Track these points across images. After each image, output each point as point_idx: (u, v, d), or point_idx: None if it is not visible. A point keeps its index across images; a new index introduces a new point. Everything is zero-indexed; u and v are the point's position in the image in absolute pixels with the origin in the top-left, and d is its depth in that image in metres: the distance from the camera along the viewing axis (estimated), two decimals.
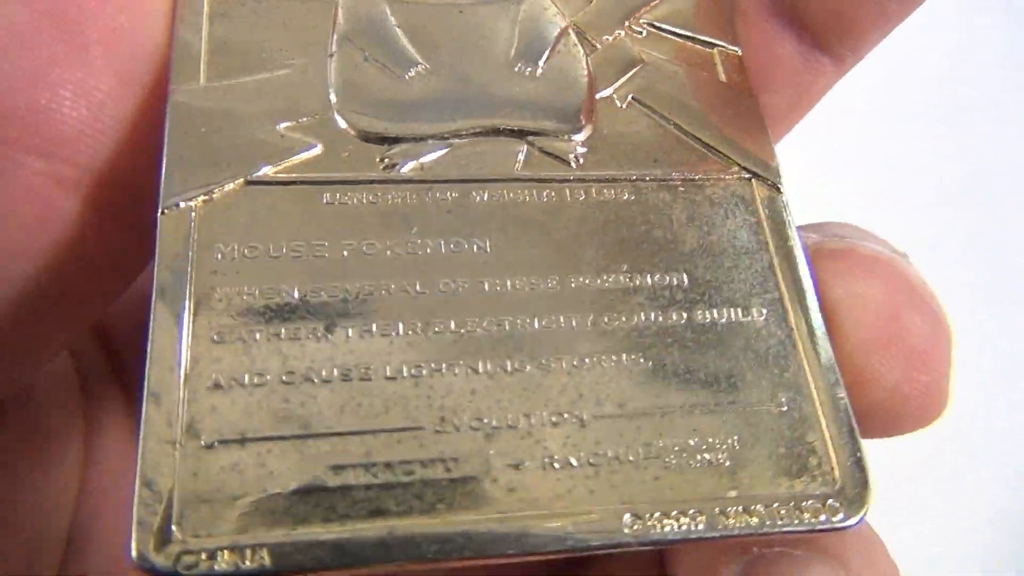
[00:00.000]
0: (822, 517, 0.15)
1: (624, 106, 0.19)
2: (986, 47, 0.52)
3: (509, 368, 0.16)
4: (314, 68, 0.18)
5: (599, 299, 0.17)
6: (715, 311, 0.17)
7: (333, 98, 0.18)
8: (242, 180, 0.17)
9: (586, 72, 0.19)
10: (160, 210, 0.16)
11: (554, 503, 0.15)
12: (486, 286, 0.16)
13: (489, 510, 0.14)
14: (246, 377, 0.15)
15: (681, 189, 0.18)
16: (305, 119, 0.18)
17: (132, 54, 0.17)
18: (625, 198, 0.18)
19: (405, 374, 0.15)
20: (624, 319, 0.17)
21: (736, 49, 0.20)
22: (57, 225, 0.17)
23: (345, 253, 0.16)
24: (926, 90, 0.50)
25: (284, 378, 0.15)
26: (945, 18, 0.48)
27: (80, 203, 0.17)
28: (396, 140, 0.18)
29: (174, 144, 0.17)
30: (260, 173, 0.17)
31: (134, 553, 0.13)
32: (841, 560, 0.16)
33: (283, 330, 0.15)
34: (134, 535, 0.13)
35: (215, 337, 0.15)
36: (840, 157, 0.45)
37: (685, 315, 0.17)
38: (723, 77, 0.20)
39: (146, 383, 0.14)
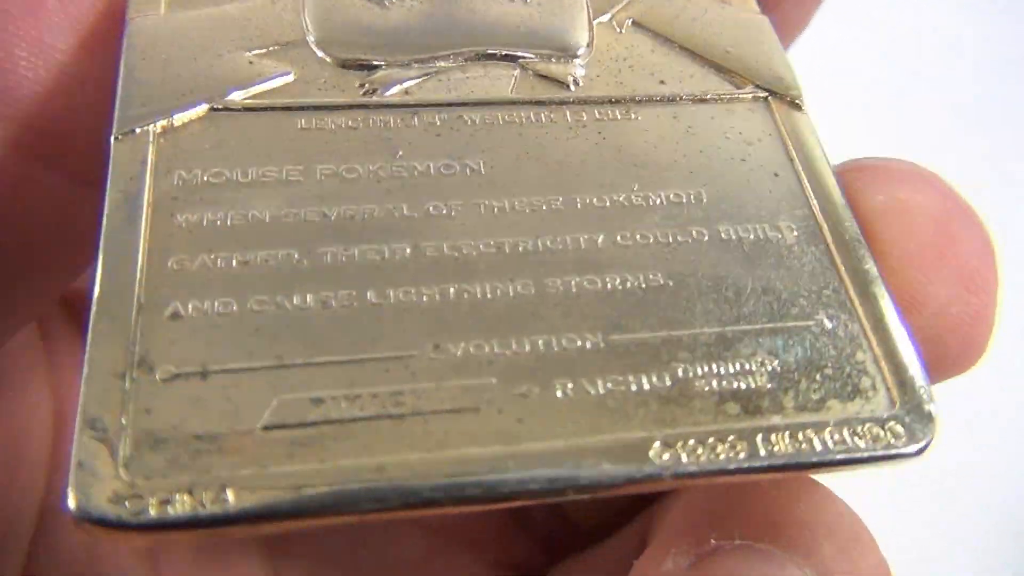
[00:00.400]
0: (882, 443, 0.13)
1: (623, 31, 0.18)
2: (987, 45, 0.51)
3: (511, 292, 0.14)
4: None
5: (609, 218, 0.15)
6: (740, 227, 0.15)
7: (308, 25, 0.16)
8: (207, 106, 0.15)
9: (585, 3, 0.18)
10: (114, 135, 0.14)
11: (570, 435, 0.13)
12: (481, 208, 0.15)
13: (494, 444, 0.12)
14: (210, 305, 0.13)
15: (692, 108, 0.17)
16: (276, 47, 0.16)
17: (92, 6, 0.16)
18: (631, 118, 0.16)
19: (392, 299, 0.13)
20: (639, 237, 0.15)
21: None
22: (21, 193, 0.16)
23: (322, 177, 0.15)
24: (926, 88, 0.49)
25: (253, 306, 0.13)
26: (946, 18, 0.47)
27: (42, 168, 0.16)
28: (377, 67, 0.16)
29: (131, 69, 0.15)
30: (227, 99, 0.15)
31: (71, 501, 0.11)
32: (814, 557, 0.13)
33: (253, 256, 0.14)
34: (72, 479, 0.11)
35: (174, 265, 0.13)
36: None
37: (707, 232, 0.15)
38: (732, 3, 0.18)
39: (93, 311, 0.13)
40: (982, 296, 0.16)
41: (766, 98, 0.17)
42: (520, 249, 0.14)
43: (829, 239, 0.15)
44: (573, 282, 0.14)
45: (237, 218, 0.14)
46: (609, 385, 0.13)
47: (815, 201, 0.16)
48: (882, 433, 0.13)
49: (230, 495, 0.11)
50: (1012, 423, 0.43)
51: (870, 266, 0.15)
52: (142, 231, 0.13)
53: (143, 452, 0.12)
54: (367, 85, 0.16)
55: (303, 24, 0.16)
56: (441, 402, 0.13)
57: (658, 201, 0.15)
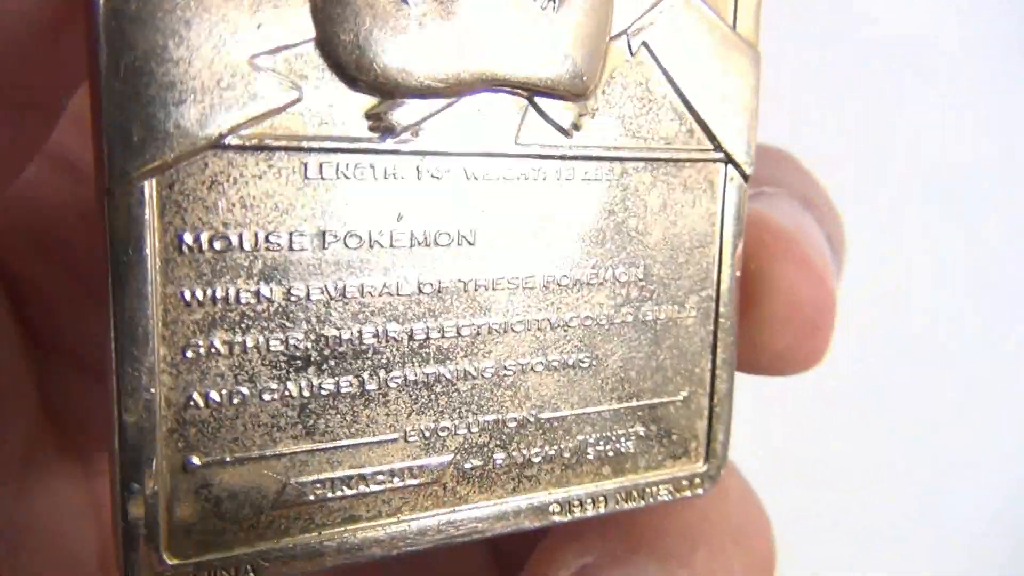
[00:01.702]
0: (684, 492, 0.19)
1: (634, 53, 0.17)
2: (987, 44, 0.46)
3: (477, 375, 0.16)
4: None
5: (565, 296, 0.17)
6: (659, 308, 0.18)
7: (311, 26, 0.14)
8: (208, 147, 0.13)
9: (609, 15, 0.16)
10: (105, 188, 0.13)
11: (496, 497, 0.17)
12: (467, 286, 0.16)
13: (441, 507, 0.16)
14: (226, 395, 0.14)
15: (663, 172, 0.18)
16: (282, 52, 0.14)
17: None
18: (610, 180, 0.17)
19: (384, 384, 0.15)
20: (583, 317, 0.17)
21: None
22: None
23: (328, 245, 0.15)
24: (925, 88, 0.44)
25: (264, 395, 0.15)
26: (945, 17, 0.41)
27: None
28: (390, 92, 0.15)
29: (112, 100, 0.13)
30: (227, 137, 0.14)
31: None
32: (689, 565, 0.19)
33: (263, 340, 0.14)
34: (122, 560, 0.14)
35: (190, 353, 0.14)
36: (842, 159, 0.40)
37: (632, 313, 0.18)
38: (737, 24, 0.18)
39: (115, 403, 0.13)
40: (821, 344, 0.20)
41: (725, 163, 0.18)
42: (491, 331, 0.16)
43: (718, 321, 0.19)
44: (526, 364, 0.17)
45: (246, 297, 0.14)
46: (531, 455, 0.17)
47: (719, 281, 0.19)
48: (689, 486, 0.19)
49: (252, 571, 0.15)
50: (1011, 423, 0.48)
51: (733, 351, 0.19)
52: (152, 312, 0.13)
53: (177, 538, 0.14)
54: (382, 123, 0.15)
55: (307, 20, 0.14)
56: (411, 477, 0.16)
57: (608, 277, 0.17)
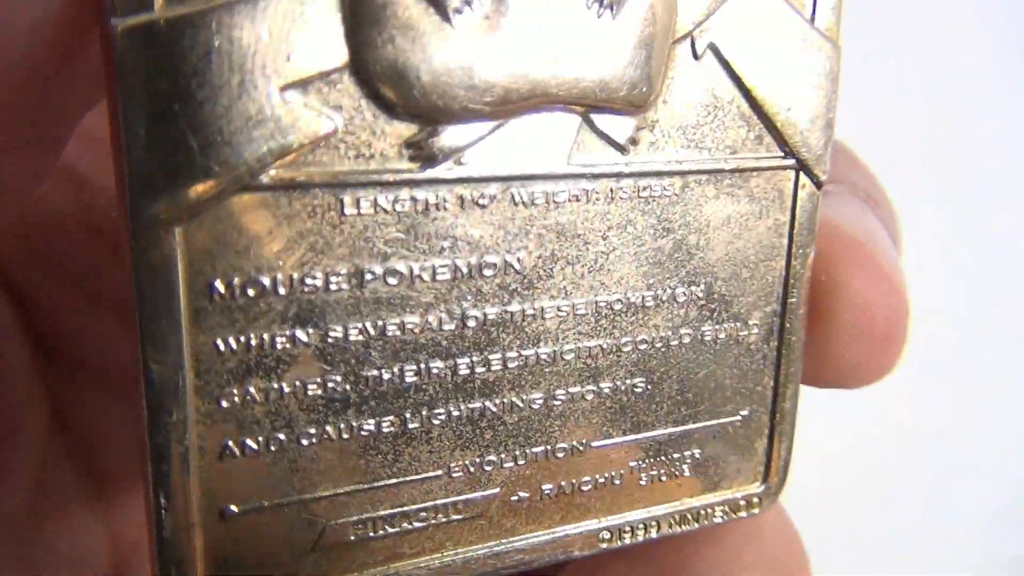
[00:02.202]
0: (741, 512, 0.18)
1: (700, 56, 0.15)
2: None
3: (524, 407, 0.16)
4: None
5: (619, 321, 0.16)
6: (720, 327, 0.17)
7: (345, 51, 0.13)
8: (238, 189, 0.13)
9: (672, 17, 0.15)
10: (131, 229, 0.12)
11: (544, 528, 0.16)
12: (514, 316, 0.15)
13: (487, 540, 0.16)
14: (262, 442, 0.14)
15: (727, 183, 0.16)
16: (314, 82, 0.13)
17: None
18: (669, 195, 0.16)
19: (427, 423, 0.15)
20: (637, 342, 0.16)
21: None
22: None
23: (366, 284, 0.14)
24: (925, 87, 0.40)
25: (303, 440, 0.14)
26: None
27: None
28: (432, 118, 0.13)
29: (134, 143, 0.12)
30: (258, 176, 0.13)
31: None
32: None
33: (299, 386, 0.14)
34: None
35: (224, 403, 0.13)
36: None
37: (692, 334, 0.17)
38: (816, 17, 0.16)
39: (149, 455, 0.13)
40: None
41: (797, 171, 0.17)
42: (540, 360, 0.16)
43: (782, 338, 0.18)
44: (575, 392, 0.16)
45: (281, 342, 0.13)
46: (580, 484, 0.17)
47: (786, 295, 0.18)
48: (745, 506, 0.18)
49: None
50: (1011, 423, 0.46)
51: (798, 366, 0.18)
52: (185, 363, 0.13)
53: None
54: (420, 152, 0.14)
55: (341, 39, 0.13)
56: (456, 513, 0.16)
57: (666, 298, 0.16)
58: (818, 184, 0.17)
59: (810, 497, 0.22)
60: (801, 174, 0.17)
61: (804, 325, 0.18)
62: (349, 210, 0.13)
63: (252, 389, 0.13)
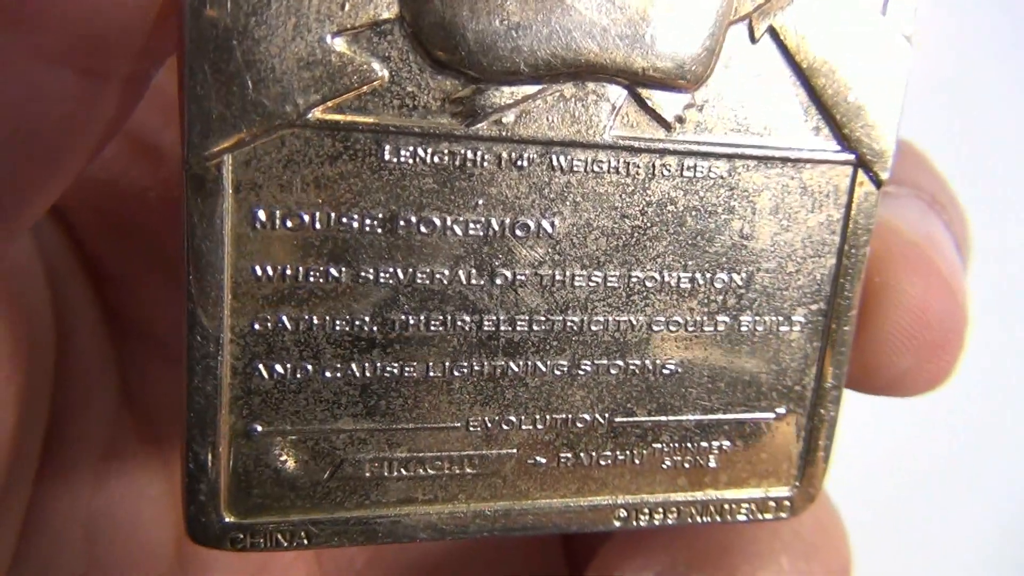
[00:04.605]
0: (770, 514, 0.18)
1: (757, 41, 0.15)
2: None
3: (548, 372, 0.16)
4: None
5: (653, 299, 0.16)
6: (759, 319, 0.17)
7: (397, 5, 0.13)
8: (286, 125, 0.13)
9: (731, 1, 0.15)
10: (186, 164, 0.13)
11: (560, 496, 0.17)
12: (544, 280, 0.15)
13: (500, 499, 0.16)
14: (291, 369, 0.15)
15: (778, 171, 0.16)
16: (365, 32, 0.13)
17: None
18: (715, 178, 0.16)
19: (448, 374, 0.15)
20: (671, 324, 0.16)
21: None
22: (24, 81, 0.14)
23: (400, 231, 0.14)
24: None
25: (327, 372, 0.15)
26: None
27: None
28: (477, 76, 0.14)
29: (194, 76, 0.13)
30: (305, 116, 0.13)
31: (190, 531, 0.15)
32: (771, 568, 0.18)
33: (329, 320, 0.15)
34: (188, 524, 0.15)
35: (258, 327, 0.14)
36: None
37: (728, 323, 0.17)
38: (889, 8, 0.16)
39: (187, 377, 0.14)
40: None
41: (855, 167, 0.16)
42: (567, 328, 0.16)
43: (829, 337, 0.17)
44: (600, 365, 0.16)
45: (314, 276, 0.14)
46: (599, 458, 0.17)
47: (836, 295, 0.17)
48: (774, 508, 0.18)
49: (304, 537, 0.15)
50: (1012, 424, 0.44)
51: (844, 369, 0.18)
52: (224, 283, 0.14)
53: (237, 498, 0.15)
54: (463, 108, 0.14)
55: (397, 2, 0.13)
56: (471, 467, 0.16)
57: (702, 282, 0.16)
58: (878, 183, 0.17)
59: (846, 497, 0.21)
60: (860, 170, 0.16)
61: (854, 328, 0.17)
62: (389, 157, 0.14)
63: (284, 317, 0.14)
